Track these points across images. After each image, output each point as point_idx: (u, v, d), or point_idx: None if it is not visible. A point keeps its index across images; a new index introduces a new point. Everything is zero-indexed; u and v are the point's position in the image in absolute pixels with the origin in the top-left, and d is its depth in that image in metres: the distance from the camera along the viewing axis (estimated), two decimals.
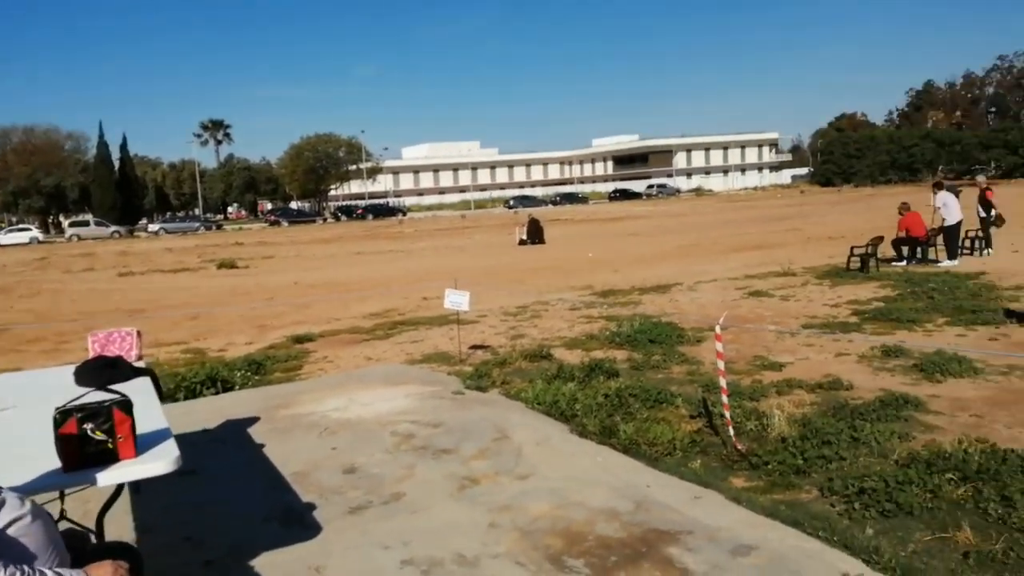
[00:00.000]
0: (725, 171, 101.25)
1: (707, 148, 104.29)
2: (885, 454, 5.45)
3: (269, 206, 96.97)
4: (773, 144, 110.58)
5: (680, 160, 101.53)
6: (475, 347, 10.15)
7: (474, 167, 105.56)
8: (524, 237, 30.40)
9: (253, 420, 7.07)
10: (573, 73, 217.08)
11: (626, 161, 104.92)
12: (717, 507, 4.77)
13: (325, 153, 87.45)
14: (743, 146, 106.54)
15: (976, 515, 4.41)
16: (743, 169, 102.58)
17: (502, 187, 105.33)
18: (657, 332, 10.02)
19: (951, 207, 15.64)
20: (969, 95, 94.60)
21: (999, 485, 4.66)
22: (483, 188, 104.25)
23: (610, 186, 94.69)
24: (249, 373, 9.11)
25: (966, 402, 6.64)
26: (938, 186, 16.63)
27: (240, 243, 44.24)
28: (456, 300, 9.26)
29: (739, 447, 5.69)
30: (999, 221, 17.39)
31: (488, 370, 8.66)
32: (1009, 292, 11.73)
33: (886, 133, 73.87)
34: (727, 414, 5.81)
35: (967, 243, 16.69)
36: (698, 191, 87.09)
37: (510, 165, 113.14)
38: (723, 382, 5.78)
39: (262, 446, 6.34)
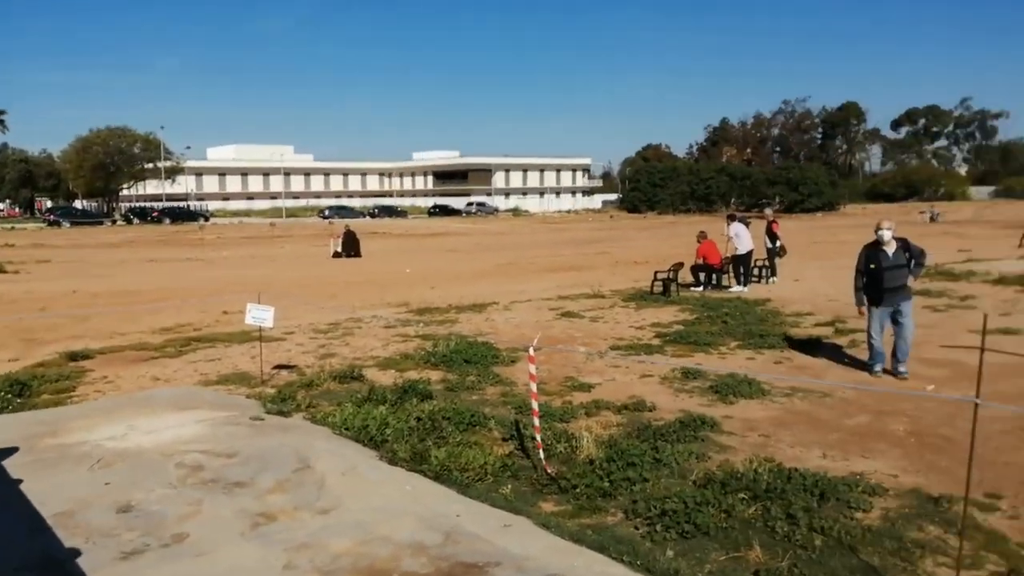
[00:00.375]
0: (541, 193, 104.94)
1: (525, 169, 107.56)
2: (684, 475, 5.65)
3: (49, 204, 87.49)
4: (586, 169, 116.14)
5: (499, 179, 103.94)
6: (279, 367, 9.55)
7: (287, 172, 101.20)
8: (339, 249, 29.55)
9: (10, 451, 6.13)
10: (395, 83, 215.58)
11: (446, 177, 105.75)
12: (526, 535, 4.69)
13: (118, 149, 79.58)
14: (559, 169, 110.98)
15: (765, 533, 4.64)
16: (558, 192, 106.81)
17: (317, 195, 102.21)
18: (473, 352, 9.95)
19: (743, 237, 16.98)
20: (758, 134, 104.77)
21: (785, 504, 4.94)
22: (296, 195, 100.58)
23: (430, 201, 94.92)
24: (9, 395, 7.97)
25: (755, 422, 7.08)
26: (731, 217, 18.02)
27: (10, 244, 39.42)
28: (259, 315, 8.66)
29: (549, 471, 5.67)
30: (783, 252, 19.14)
31: (293, 392, 8.15)
32: (791, 318, 12.86)
33: (687, 165, 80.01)
34: (538, 437, 5.78)
35: (756, 271, 18.19)
36: (516, 211, 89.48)
37: (326, 173, 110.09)
38: (535, 405, 5.76)
39: (19, 482, 5.49)
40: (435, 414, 7.08)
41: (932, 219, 48.87)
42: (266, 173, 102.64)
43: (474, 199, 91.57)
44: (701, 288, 16.94)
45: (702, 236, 17.51)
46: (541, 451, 5.78)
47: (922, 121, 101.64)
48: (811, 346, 10.46)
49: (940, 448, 6.22)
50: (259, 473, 5.58)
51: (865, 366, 9.06)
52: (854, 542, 4.45)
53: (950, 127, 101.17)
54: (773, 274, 18.33)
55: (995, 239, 31.25)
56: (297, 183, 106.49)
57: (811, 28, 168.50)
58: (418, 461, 5.99)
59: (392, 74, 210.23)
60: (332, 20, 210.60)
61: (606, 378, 8.92)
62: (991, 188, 76.10)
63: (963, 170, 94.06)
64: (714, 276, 17.33)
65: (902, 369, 8.54)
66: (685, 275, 17.28)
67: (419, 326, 12.67)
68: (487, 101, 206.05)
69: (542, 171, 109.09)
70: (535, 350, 6.04)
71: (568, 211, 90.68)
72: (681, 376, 8.85)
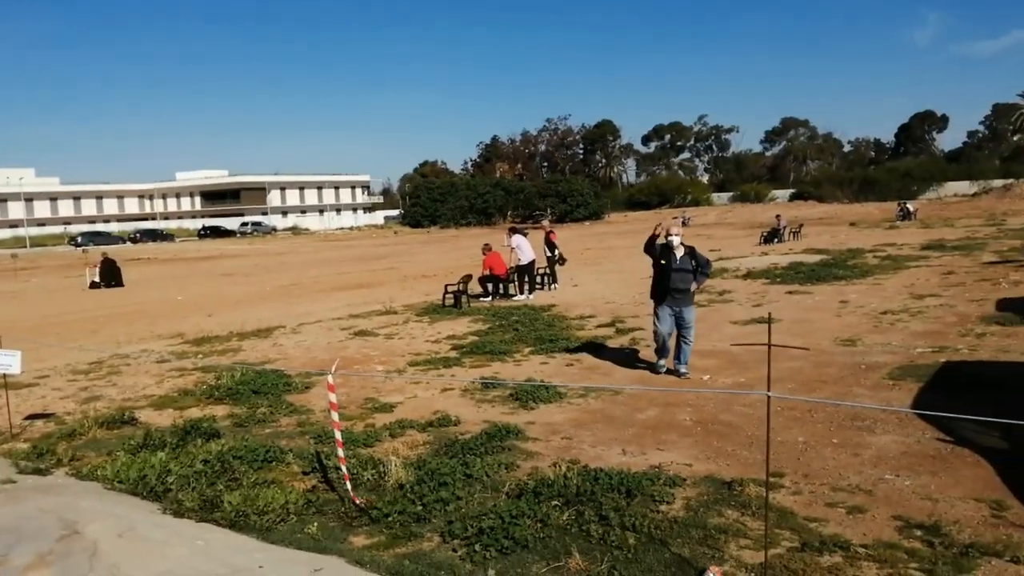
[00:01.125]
0: (321, 210, 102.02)
1: (302, 187, 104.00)
2: (497, 487, 5.60)
3: None
4: (365, 186, 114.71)
5: (275, 198, 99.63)
6: (33, 416, 8.32)
7: (28, 198, 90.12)
8: (97, 279, 26.61)
9: None
10: (152, 100, 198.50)
11: (216, 197, 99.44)
12: None
13: None
14: (337, 187, 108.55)
15: (582, 538, 4.69)
16: (338, 209, 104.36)
17: (67, 222, 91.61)
18: (262, 382, 9.30)
19: (524, 248, 17.55)
20: (527, 150, 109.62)
21: (596, 505, 5.04)
22: (41, 223, 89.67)
23: (199, 223, 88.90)
24: None
25: (556, 426, 7.23)
26: (512, 230, 18.56)
27: None
28: (3, 361, 7.47)
29: (357, 501, 5.37)
30: (562, 260, 20.05)
31: (52, 445, 7.11)
32: (576, 321, 13.43)
33: (464, 181, 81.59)
34: (343, 468, 5.45)
35: (539, 280, 18.86)
36: (295, 230, 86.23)
37: (76, 197, 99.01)
38: (338, 434, 5.42)
39: None
40: (224, 454, 6.49)
41: (684, 223, 53.77)
42: (3, 200, 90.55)
43: (249, 219, 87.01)
44: (490, 298, 17.25)
45: (487, 248, 17.86)
46: (348, 482, 5.45)
47: (668, 136, 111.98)
48: (597, 347, 10.96)
49: (723, 434, 6.71)
50: (12, 548, 4.73)
51: (648, 363, 9.63)
52: (664, 536, 4.63)
53: (691, 141, 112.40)
54: (554, 281, 19.12)
55: (738, 239, 35.02)
56: (42, 209, 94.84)
57: (568, 47, 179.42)
58: (209, 509, 5.42)
59: (149, 90, 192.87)
60: (75, 30, 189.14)
61: (407, 396, 8.72)
62: (729, 194, 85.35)
63: (705, 179, 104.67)
64: (501, 286, 17.73)
65: (683, 370, 8.94)
66: (474, 286, 17.51)
67: (198, 358, 11.67)
68: (256, 118, 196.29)
69: (320, 188, 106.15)
70: (333, 376, 5.69)
71: (351, 228, 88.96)
72: (481, 387, 8.87)
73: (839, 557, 4.25)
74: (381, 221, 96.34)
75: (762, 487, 5.23)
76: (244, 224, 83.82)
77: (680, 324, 8.93)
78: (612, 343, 11.26)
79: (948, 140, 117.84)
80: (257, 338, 13.49)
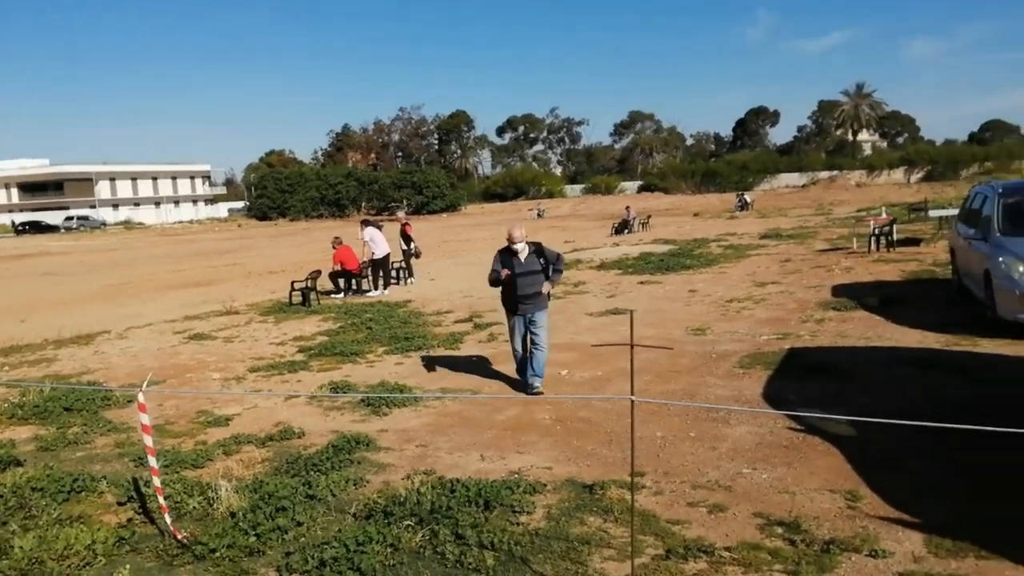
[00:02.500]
0: (157, 203, 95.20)
1: (134, 178, 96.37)
2: (344, 508, 5.09)
3: None
4: (206, 176, 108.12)
5: (104, 190, 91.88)
6: None
7: None
8: None
9: None
10: None
11: (36, 189, 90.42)
12: None
13: None
14: (175, 177, 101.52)
15: (436, 562, 4.28)
16: (176, 201, 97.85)
17: None
18: (76, 397, 8.25)
19: (378, 241, 16.86)
20: (380, 140, 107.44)
21: (452, 523, 4.63)
22: None
23: (19, 217, 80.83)
24: None
25: (411, 432, 6.77)
26: (365, 223, 17.81)
27: None
28: None
29: (179, 536, 4.69)
30: (418, 253, 19.50)
31: None
32: (433, 317, 12.98)
33: (314, 171, 78.56)
34: (161, 500, 4.74)
35: (394, 274, 18.24)
36: (127, 224, 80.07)
37: None
38: (154, 462, 4.69)
39: None
40: (22, 486, 5.58)
41: (539, 215, 54.52)
42: None
43: (75, 212, 79.97)
44: (342, 295, 16.48)
45: (337, 242, 17.06)
46: (167, 515, 4.75)
47: (521, 128, 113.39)
48: (455, 344, 10.58)
49: (583, 432, 6.51)
50: None
51: (508, 355, 9.29)
52: (525, 552, 4.30)
53: (544, 133, 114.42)
54: (410, 275, 18.57)
55: (590, 230, 35.78)
56: None
57: (417, 35, 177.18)
58: None
59: None
60: None
61: (246, 406, 7.96)
62: (581, 186, 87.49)
63: (558, 171, 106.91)
64: (353, 281, 17.00)
65: (536, 384, 7.85)
66: (324, 282, 16.66)
67: (2, 371, 10.27)
68: (82, 104, 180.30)
69: (155, 179, 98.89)
70: (151, 386, 4.96)
71: (191, 221, 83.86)
72: (330, 392, 8.26)
73: (704, 563, 4.08)
74: (224, 214, 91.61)
75: (623, 488, 5.04)
76: (69, 218, 77.00)
77: (531, 329, 7.95)
78: (470, 339, 10.92)
79: (780, 134, 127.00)
80: (76, 345, 12.11)
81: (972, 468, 5.09)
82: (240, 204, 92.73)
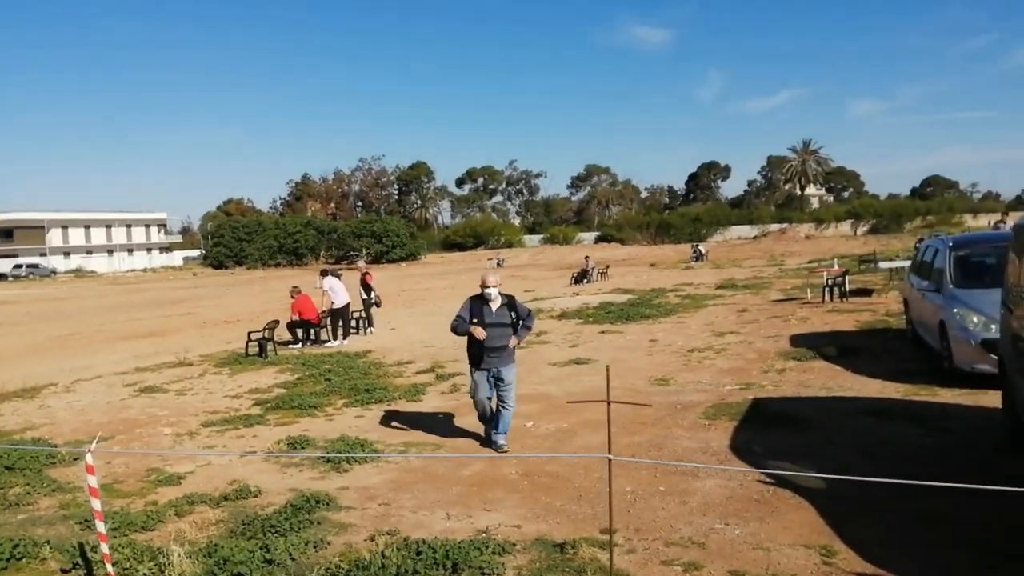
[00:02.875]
0: (110, 251, 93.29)
1: (87, 225, 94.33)
2: (303, 573, 4.85)
3: None
4: (162, 224, 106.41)
5: (55, 238, 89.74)
6: None
7: None
8: None
9: None
10: None
11: None
12: None
13: None
14: (129, 225, 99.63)
15: None
16: (130, 249, 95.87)
17: None
18: (18, 455, 7.83)
19: (337, 291, 16.64)
20: (340, 190, 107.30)
21: None
22: None
23: None
24: None
25: (373, 490, 6.55)
26: (324, 272, 17.60)
27: None
28: None
29: None
30: (378, 302, 19.29)
31: None
32: (394, 368, 12.76)
33: (272, 220, 78.03)
34: (109, 567, 4.46)
35: (354, 324, 17.98)
36: (79, 272, 78.09)
37: None
38: (102, 527, 4.44)
39: None
40: None
41: (499, 264, 54.73)
42: None
43: (24, 260, 77.85)
44: (300, 345, 16.17)
45: (296, 291, 16.79)
46: None
47: (481, 179, 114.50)
48: (417, 395, 10.39)
49: (550, 487, 6.37)
50: None
51: (470, 406, 9.13)
52: None
53: (503, 184, 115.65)
54: (370, 325, 18.33)
55: (550, 279, 35.95)
56: None
57: (377, 91, 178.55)
58: None
59: None
60: None
61: (199, 464, 7.64)
62: (540, 236, 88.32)
63: (517, 222, 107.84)
64: (312, 331, 16.70)
65: (501, 442, 7.63)
66: (282, 332, 16.34)
67: None
68: (34, 149, 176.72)
69: (109, 227, 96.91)
70: (94, 453, 4.72)
71: (144, 270, 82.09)
72: (288, 448, 7.98)
73: None
74: (179, 262, 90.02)
75: (595, 547, 4.91)
76: (18, 266, 74.85)
77: (498, 386, 7.62)
78: (433, 390, 10.73)
79: (731, 188, 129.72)
80: (19, 399, 11.60)
81: (942, 519, 5.08)
82: (196, 252, 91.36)
